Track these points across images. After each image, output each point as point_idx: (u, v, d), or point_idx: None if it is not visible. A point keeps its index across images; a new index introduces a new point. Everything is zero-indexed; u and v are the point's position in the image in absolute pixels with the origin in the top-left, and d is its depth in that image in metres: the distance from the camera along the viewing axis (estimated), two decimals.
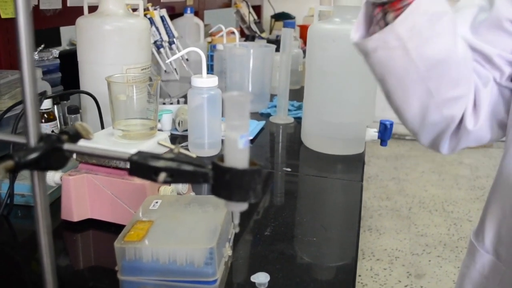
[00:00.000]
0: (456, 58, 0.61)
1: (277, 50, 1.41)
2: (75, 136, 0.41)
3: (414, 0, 0.57)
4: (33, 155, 0.37)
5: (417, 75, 0.61)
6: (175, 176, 0.34)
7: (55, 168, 0.39)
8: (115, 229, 0.73)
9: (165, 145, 0.43)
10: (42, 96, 0.77)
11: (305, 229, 0.79)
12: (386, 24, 0.60)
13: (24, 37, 0.36)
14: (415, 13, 0.57)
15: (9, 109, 0.84)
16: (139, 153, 0.36)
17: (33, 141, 0.38)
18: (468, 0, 0.71)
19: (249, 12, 2.57)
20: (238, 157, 0.34)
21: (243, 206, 0.36)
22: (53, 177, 0.78)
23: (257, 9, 3.30)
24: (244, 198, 0.34)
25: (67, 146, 0.39)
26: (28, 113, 0.37)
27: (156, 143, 0.76)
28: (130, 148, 0.75)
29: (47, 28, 1.30)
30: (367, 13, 0.64)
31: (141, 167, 0.35)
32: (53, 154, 0.38)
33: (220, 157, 0.35)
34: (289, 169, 1.04)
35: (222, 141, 1.11)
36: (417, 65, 0.60)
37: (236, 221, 0.38)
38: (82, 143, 0.42)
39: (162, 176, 0.34)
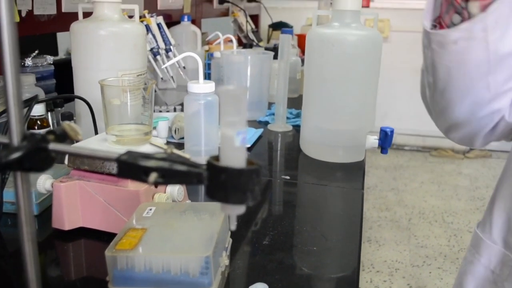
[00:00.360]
0: None
1: (275, 58, 1.39)
2: (62, 136, 0.39)
3: None
4: (16, 155, 0.34)
5: (486, 69, 0.59)
6: (167, 177, 0.32)
7: (40, 169, 0.37)
8: (108, 237, 0.70)
9: (157, 145, 0.40)
10: (33, 100, 0.74)
11: (305, 239, 0.76)
12: (469, 13, 0.58)
13: (6, 30, 0.34)
14: (504, 2, 0.55)
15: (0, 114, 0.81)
16: (129, 152, 0.34)
17: (16, 140, 0.36)
18: None
19: (247, 21, 2.56)
20: (235, 156, 0.31)
21: (240, 209, 0.33)
22: (44, 184, 0.75)
23: (255, 19, 3.29)
24: (241, 200, 0.32)
25: (52, 146, 0.36)
26: (10, 110, 0.35)
27: (150, 146, 0.74)
28: None
29: (42, 35, 1.28)
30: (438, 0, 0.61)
31: (130, 167, 0.33)
32: (37, 154, 0.36)
33: (215, 156, 0.33)
34: (288, 177, 1.02)
35: (219, 148, 1.08)
36: (490, 58, 0.58)
37: (233, 226, 0.35)
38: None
39: (153, 176, 0.32)
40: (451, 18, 0.60)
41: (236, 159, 0.31)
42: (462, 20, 0.59)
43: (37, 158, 0.36)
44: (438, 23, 0.62)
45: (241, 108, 0.31)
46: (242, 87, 0.30)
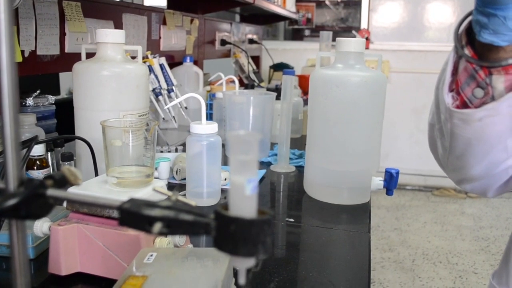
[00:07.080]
0: None
1: (277, 98, 1.38)
2: (61, 181, 0.37)
3: None
4: (12, 202, 0.33)
5: (508, 135, 0.60)
6: (172, 227, 0.30)
7: (37, 216, 0.35)
8: (106, 284, 0.68)
9: (161, 192, 0.39)
10: (33, 141, 0.73)
11: (311, 285, 0.73)
12: (493, 88, 0.58)
13: (6, 71, 0.33)
14: None
15: None
16: (132, 200, 0.32)
17: (12, 186, 0.34)
18: None
19: (248, 62, 2.58)
20: (245, 205, 0.29)
21: (250, 262, 0.31)
22: (41, 227, 0.73)
23: (256, 60, 3.32)
24: (251, 252, 0.29)
25: (51, 192, 0.34)
26: (7, 154, 0.33)
27: (152, 191, 0.71)
28: (123, 196, 0.70)
29: (44, 75, 1.28)
30: (455, 70, 0.62)
31: (134, 216, 0.31)
32: (34, 201, 0.34)
33: (224, 205, 0.31)
34: (292, 220, 0.99)
35: (222, 190, 1.06)
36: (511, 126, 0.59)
37: (242, 280, 0.33)
38: (70, 189, 0.38)
39: (158, 226, 0.30)
40: (473, 92, 0.60)
41: (246, 208, 0.29)
42: (485, 94, 0.59)
43: (34, 204, 0.34)
44: (456, 91, 0.62)
45: (253, 154, 0.29)
46: (253, 133, 0.29)
